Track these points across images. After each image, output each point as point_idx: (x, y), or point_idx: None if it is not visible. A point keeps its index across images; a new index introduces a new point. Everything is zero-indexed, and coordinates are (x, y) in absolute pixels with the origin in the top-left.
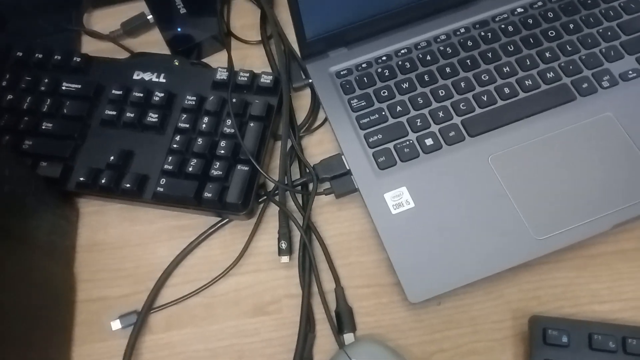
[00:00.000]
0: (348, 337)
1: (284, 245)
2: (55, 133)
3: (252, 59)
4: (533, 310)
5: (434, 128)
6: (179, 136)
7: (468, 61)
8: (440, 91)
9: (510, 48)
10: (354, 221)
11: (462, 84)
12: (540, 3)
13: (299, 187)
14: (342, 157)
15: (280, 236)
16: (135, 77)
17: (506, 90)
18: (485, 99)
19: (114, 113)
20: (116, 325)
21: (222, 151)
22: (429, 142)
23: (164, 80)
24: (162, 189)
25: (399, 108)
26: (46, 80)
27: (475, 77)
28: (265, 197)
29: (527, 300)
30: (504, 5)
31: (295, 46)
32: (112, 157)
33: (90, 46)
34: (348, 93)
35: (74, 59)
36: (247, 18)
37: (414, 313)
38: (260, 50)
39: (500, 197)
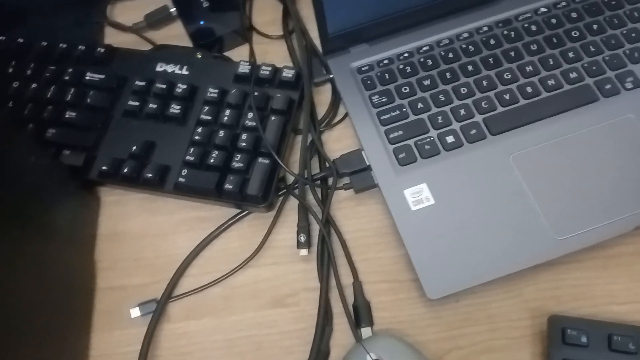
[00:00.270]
0: (365, 332)
1: (302, 239)
2: (79, 123)
3: (273, 54)
4: (551, 309)
5: (455, 125)
6: (200, 128)
7: (490, 59)
8: (462, 89)
9: (533, 47)
10: (373, 217)
11: (484, 82)
12: (564, 3)
13: (319, 182)
14: (362, 152)
15: (299, 229)
16: (158, 69)
17: (528, 89)
18: (507, 98)
19: (137, 104)
20: (135, 312)
21: (244, 144)
22: (450, 139)
23: (187, 73)
24: (183, 180)
25: (420, 105)
26: (70, 71)
27: (498, 75)
28: (285, 190)
29: (546, 300)
30: (528, 4)
31: (316, 42)
32: (134, 147)
33: (113, 38)
34: (369, 89)
35: (98, 50)
36: (269, 13)
37: (432, 310)
38: (281, 45)
39: (521, 196)
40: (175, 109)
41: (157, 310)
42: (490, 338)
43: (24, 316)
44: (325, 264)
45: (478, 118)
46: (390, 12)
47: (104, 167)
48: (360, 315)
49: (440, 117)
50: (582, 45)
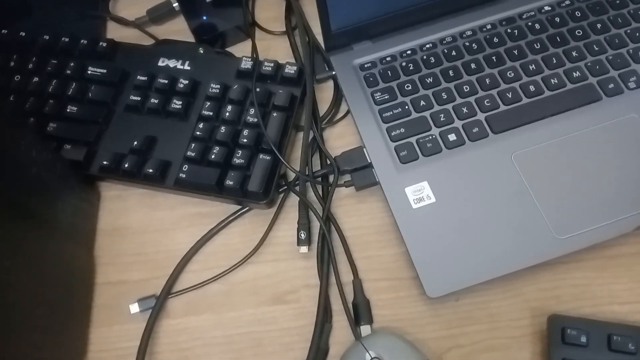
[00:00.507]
0: (365, 329)
1: (303, 236)
2: (80, 117)
3: (275, 50)
4: (552, 309)
5: (458, 124)
6: (202, 124)
7: (494, 58)
8: (464, 87)
9: (537, 46)
10: (374, 214)
11: (487, 81)
12: (568, 2)
13: (320, 179)
14: (364, 149)
15: (299, 226)
16: (160, 64)
17: (531, 88)
18: (510, 96)
19: (139, 99)
20: (135, 308)
21: (245, 140)
22: (452, 137)
23: (189, 68)
24: (184, 176)
25: (422, 102)
26: (72, 65)
27: (501, 74)
28: (285, 187)
29: (546, 299)
30: (531, 2)
31: (319, 38)
32: (135, 142)
33: (115, 32)
34: (371, 86)
35: (100, 44)
36: (272, 9)
37: (432, 308)
38: (284, 41)
39: (523, 195)
40: (176, 104)
41: (157, 306)
42: (490, 337)
43: (23, 311)
44: (326, 261)
45: (480, 116)
46: (393, 9)
47: (104, 162)
48: (360, 312)
49: (442, 115)
50: (585, 44)
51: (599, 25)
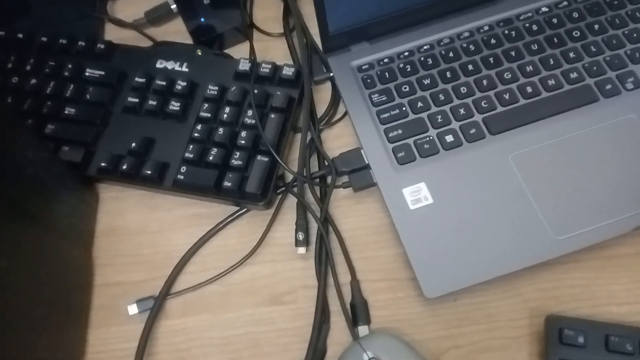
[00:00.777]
0: (362, 330)
1: (301, 237)
2: (78, 118)
3: (273, 51)
4: (550, 309)
5: (455, 125)
6: (200, 125)
7: (491, 59)
8: (462, 88)
9: (534, 47)
10: (372, 215)
11: (485, 82)
12: (565, 3)
13: (318, 180)
14: (362, 151)
15: (297, 227)
16: (158, 65)
17: (529, 89)
18: (507, 98)
19: (137, 100)
20: (133, 309)
21: (243, 141)
22: (449, 138)
23: (187, 70)
24: (182, 177)
25: (420, 104)
26: (70, 66)
27: (498, 75)
28: (283, 188)
29: (545, 300)
30: (529, 4)
31: (317, 39)
32: (133, 144)
33: (113, 34)
34: (369, 87)
35: (98, 45)
36: (270, 10)
37: (430, 308)
38: (281, 42)
39: (520, 196)
40: (174, 105)
41: (155, 307)
42: (488, 337)
43: (21, 312)
44: (323, 262)
45: (478, 117)
46: (391, 10)
47: (102, 164)
48: (358, 313)
49: (439, 117)
50: (583, 45)
51: (596, 27)
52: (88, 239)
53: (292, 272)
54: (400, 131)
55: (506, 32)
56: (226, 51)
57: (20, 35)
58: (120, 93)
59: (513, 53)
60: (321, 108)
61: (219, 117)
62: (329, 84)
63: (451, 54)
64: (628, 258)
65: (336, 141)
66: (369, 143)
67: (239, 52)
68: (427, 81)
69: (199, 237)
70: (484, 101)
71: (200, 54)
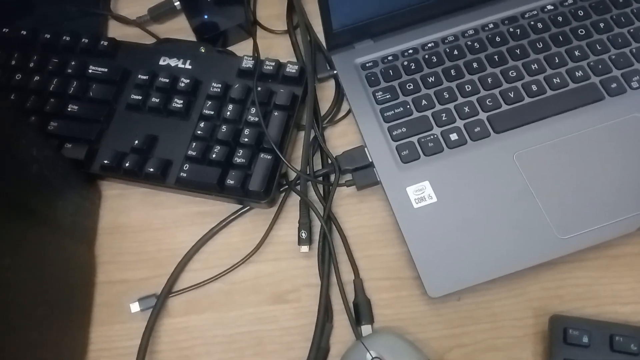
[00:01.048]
0: (366, 329)
1: (304, 235)
2: (81, 116)
3: (277, 49)
4: (555, 309)
5: (459, 123)
6: (203, 123)
7: (496, 57)
8: (466, 86)
9: (539, 45)
10: (375, 214)
11: (489, 80)
12: (570, 1)
13: (321, 178)
14: (365, 149)
15: (300, 226)
16: (161, 62)
17: (534, 87)
18: (512, 96)
19: (140, 98)
20: (135, 307)
21: (246, 139)
22: (453, 137)
23: (190, 67)
24: (185, 175)
25: (424, 102)
26: (73, 63)
27: (503, 73)
28: (287, 186)
29: (549, 299)
30: (534, 1)
31: (320, 37)
32: (136, 141)
33: (116, 31)
34: (373, 85)
35: (101, 42)
36: (273, 8)
37: (434, 307)
38: (285, 40)
39: (525, 195)
40: (178, 103)
41: (158, 305)
42: (492, 337)
43: (23, 309)
44: (327, 260)
45: (482, 116)
46: (395, 8)
47: (106, 161)
48: (361, 312)
49: (444, 115)
50: (588, 44)
51: (601, 25)
52: (91, 237)
53: (295, 271)
54: (404, 129)
55: (511, 30)
56: (229, 48)
57: (24, 33)
58: (123, 90)
59: (518, 51)
60: (325, 106)
61: (222, 114)
62: (332, 82)
63: (456, 52)
64: (633, 257)
65: (340, 139)
66: (373, 141)
67: (242, 49)
68: (431, 79)
69: (202, 235)
70: (489, 99)
71: (203, 51)
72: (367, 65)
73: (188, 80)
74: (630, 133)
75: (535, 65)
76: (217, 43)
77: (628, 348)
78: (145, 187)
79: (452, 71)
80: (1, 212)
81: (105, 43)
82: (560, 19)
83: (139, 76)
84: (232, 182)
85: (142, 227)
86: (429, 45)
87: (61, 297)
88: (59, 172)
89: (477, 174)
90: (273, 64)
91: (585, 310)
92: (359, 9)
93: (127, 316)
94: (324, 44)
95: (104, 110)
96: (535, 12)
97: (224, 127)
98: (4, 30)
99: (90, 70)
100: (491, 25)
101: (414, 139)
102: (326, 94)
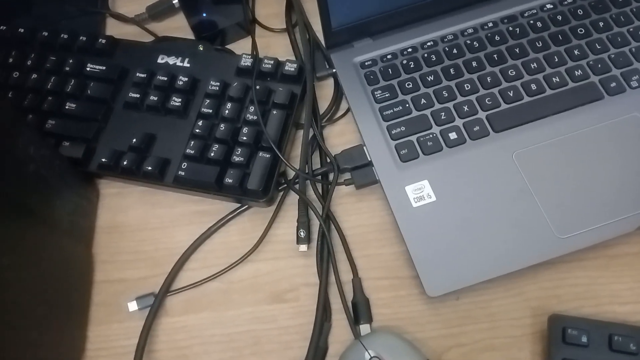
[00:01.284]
0: (364, 328)
1: (302, 234)
2: (79, 114)
3: (275, 47)
4: (553, 308)
5: (458, 122)
6: (201, 121)
7: (495, 56)
8: (465, 85)
9: (539, 44)
10: (374, 213)
11: (488, 79)
12: (570, 0)
13: (320, 177)
14: (364, 148)
15: (299, 225)
16: (159, 61)
17: (533, 86)
18: (511, 95)
19: (138, 96)
20: (133, 306)
21: (244, 138)
22: (452, 136)
23: (188, 65)
24: (183, 173)
25: (423, 101)
26: (71, 61)
27: (502, 72)
28: (285, 185)
29: (548, 299)
30: (533, 0)
31: (319, 35)
32: (134, 140)
33: (114, 29)
34: (372, 84)
35: (99, 40)
36: (272, 6)
37: (432, 307)
38: (284, 38)
39: (524, 194)
40: (176, 101)
41: (155, 304)
42: (490, 336)
43: (22, 309)
44: (325, 259)
45: (481, 115)
46: (394, 6)
47: (103, 160)
48: (360, 311)
49: (443, 114)
50: (587, 43)
51: (601, 24)
52: (89, 236)
53: (293, 270)
54: (403, 128)
55: (510, 28)
56: (228, 47)
57: (22, 31)
58: (121, 89)
59: (517, 50)
60: (323, 104)
61: (220, 113)
62: (331, 80)
63: (455, 51)
64: (631, 257)
65: (338, 138)
66: (372, 140)
67: (241, 47)
68: (430, 78)
69: (200, 234)
70: (488, 98)
71: (202, 49)
72: (366, 63)
73: (186, 79)
74: (630, 132)
75: (535, 65)
76: (215, 41)
77: (627, 348)
78: (143, 186)
79: (451, 70)
80: None
81: (103, 41)
82: (559, 18)
83: (137, 74)
84: (230, 180)
85: (140, 226)
86: (428, 44)
87: (59, 296)
88: (57, 171)
89: (476, 173)
90: (272, 62)
91: (583, 310)
92: (358, 8)
93: (124, 315)
94: (322, 42)
95: (101, 109)
96: (534, 11)
97: (222, 125)
98: (1, 28)
99: (88, 69)
100: (490, 24)
101: (413, 137)
102: (325, 92)
